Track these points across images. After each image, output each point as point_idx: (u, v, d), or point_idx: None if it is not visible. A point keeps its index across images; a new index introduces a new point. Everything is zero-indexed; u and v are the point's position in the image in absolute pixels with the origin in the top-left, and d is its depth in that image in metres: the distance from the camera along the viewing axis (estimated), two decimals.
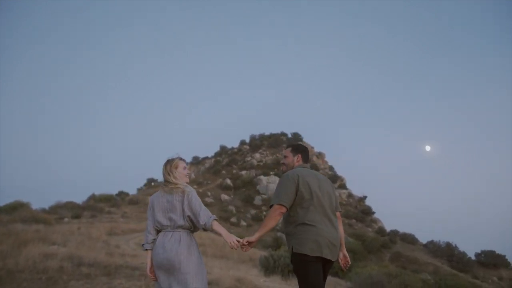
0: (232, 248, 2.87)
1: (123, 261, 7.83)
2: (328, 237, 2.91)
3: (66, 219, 24.63)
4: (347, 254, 3.16)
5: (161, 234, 2.94)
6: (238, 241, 2.85)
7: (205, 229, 2.90)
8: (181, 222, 2.89)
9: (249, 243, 2.91)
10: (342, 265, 3.14)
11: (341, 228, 3.16)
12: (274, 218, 2.93)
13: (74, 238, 11.92)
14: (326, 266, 2.97)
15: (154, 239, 2.96)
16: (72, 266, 6.49)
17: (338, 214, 3.21)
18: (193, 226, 2.95)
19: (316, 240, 2.86)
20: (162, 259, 2.81)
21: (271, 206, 3.00)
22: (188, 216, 2.88)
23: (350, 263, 3.16)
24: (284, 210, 2.93)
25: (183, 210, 2.89)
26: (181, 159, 3.14)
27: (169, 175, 3.01)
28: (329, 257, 2.90)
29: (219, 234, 2.87)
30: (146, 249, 2.99)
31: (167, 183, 3.00)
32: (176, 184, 2.96)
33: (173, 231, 2.91)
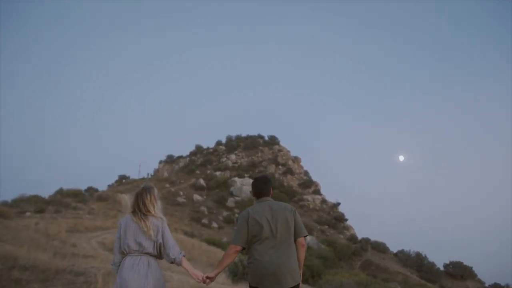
0: (198, 282, 3.05)
1: (70, 263, 6.91)
2: (270, 268, 2.95)
3: (28, 213, 23.64)
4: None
5: (129, 257, 2.92)
6: (202, 275, 3.04)
7: (172, 263, 3.00)
8: (150, 249, 2.93)
9: (209, 278, 3.06)
10: None
11: (301, 254, 3.15)
12: (230, 256, 3.11)
13: (26, 234, 10.95)
14: None
15: (120, 261, 2.97)
16: (3, 268, 5.58)
17: (301, 240, 3.17)
18: (159, 254, 2.99)
19: (257, 274, 2.99)
20: (129, 280, 2.80)
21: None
22: (160, 244, 2.94)
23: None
24: (238, 249, 3.10)
25: (156, 239, 2.94)
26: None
27: (153, 206, 3.01)
28: (273, 287, 2.94)
29: (186, 270, 3.02)
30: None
31: (144, 216, 2.95)
32: (149, 229, 2.92)
33: (141, 255, 2.92)
